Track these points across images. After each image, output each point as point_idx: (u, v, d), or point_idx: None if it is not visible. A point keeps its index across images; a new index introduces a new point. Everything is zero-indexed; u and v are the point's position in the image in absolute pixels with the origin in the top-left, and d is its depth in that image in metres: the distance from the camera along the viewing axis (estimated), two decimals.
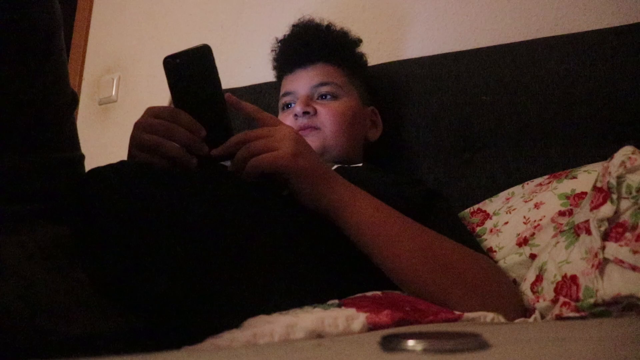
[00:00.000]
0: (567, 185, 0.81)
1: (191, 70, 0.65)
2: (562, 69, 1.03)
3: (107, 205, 0.55)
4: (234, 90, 1.37)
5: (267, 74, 1.31)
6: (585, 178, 0.81)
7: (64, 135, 0.56)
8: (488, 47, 1.13)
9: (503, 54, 1.10)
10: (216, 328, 0.45)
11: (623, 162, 0.64)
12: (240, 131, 0.70)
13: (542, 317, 0.59)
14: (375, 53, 1.33)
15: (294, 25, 1.13)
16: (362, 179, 0.80)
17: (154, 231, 0.53)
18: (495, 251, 0.81)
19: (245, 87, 1.36)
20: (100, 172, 0.61)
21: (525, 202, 0.84)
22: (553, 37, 1.08)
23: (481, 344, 0.33)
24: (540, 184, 0.87)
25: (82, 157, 0.61)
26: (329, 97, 1.02)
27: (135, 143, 0.68)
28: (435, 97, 1.13)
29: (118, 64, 1.73)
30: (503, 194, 0.93)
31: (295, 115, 1.00)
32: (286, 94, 1.06)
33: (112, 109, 1.75)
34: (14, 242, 0.46)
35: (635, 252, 0.57)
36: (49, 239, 0.49)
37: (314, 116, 1.00)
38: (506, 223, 0.83)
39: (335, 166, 0.80)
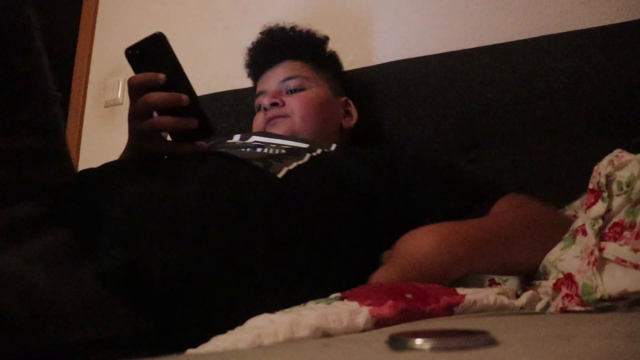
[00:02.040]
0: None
1: (152, 57, 0.71)
2: (568, 66, 1.03)
3: (109, 202, 0.56)
4: (238, 92, 1.37)
5: None
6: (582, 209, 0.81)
7: (33, 123, 0.56)
8: (493, 45, 1.13)
9: (508, 51, 1.10)
10: (221, 328, 0.45)
11: (611, 161, 0.64)
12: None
13: (547, 304, 0.59)
14: (380, 51, 1.33)
15: (260, 32, 1.18)
16: (328, 161, 0.84)
17: (152, 220, 0.55)
18: None
19: (250, 88, 1.36)
20: (96, 173, 0.62)
21: None
22: (558, 34, 1.07)
23: (489, 342, 0.33)
24: None
25: (66, 150, 0.61)
26: (296, 90, 1.06)
27: (137, 133, 0.75)
28: (441, 95, 1.12)
29: (123, 66, 1.74)
30: None
31: (264, 108, 1.03)
32: (258, 94, 1.11)
33: (118, 111, 1.75)
34: (14, 247, 0.47)
35: (636, 251, 0.57)
36: (51, 243, 0.49)
37: (283, 107, 1.03)
38: None
39: (307, 156, 0.81)
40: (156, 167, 0.70)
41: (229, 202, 0.63)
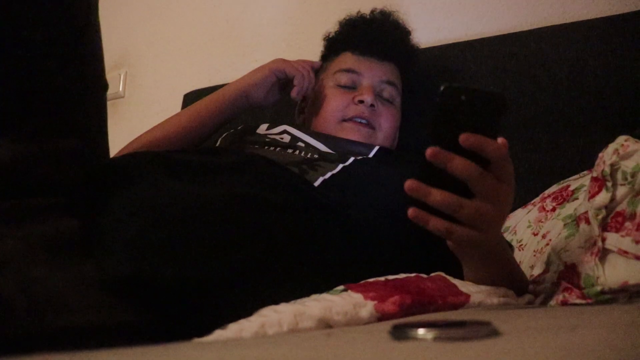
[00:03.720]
0: (570, 208, 0.80)
1: (471, 112, 0.53)
2: (571, 58, 1.02)
3: (123, 197, 0.55)
4: None
5: None
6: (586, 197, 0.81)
7: (79, 123, 0.55)
8: (495, 37, 1.13)
9: (510, 43, 1.09)
10: (225, 319, 0.45)
11: (616, 150, 0.64)
12: None
13: (545, 301, 0.59)
14: None
15: (378, 12, 1.10)
16: (361, 172, 0.81)
17: (166, 222, 0.53)
18: None
19: None
20: (116, 164, 0.60)
21: (534, 234, 0.83)
22: (560, 25, 1.07)
23: (491, 332, 0.33)
24: (544, 209, 0.86)
25: (104, 149, 0.60)
26: (390, 100, 1.01)
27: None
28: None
29: (124, 60, 1.74)
30: (509, 222, 0.91)
31: (361, 101, 0.96)
32: (350, 70, 1.01)
33: (120, 105, 1.75)
34: (16, 235, 0.46)
35: (637, 242, 0.57)
36: (55, 233, 0.49)
37: (375, 113, 0.97)
38: (520, 263, 0.80)
39: (339, 166, 0.80)
40: (184, 163, 0.65)
41: (255, 207, 0.60)
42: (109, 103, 1.92)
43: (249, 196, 0.60)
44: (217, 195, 0.58)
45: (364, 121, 0.96)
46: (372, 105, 0.96)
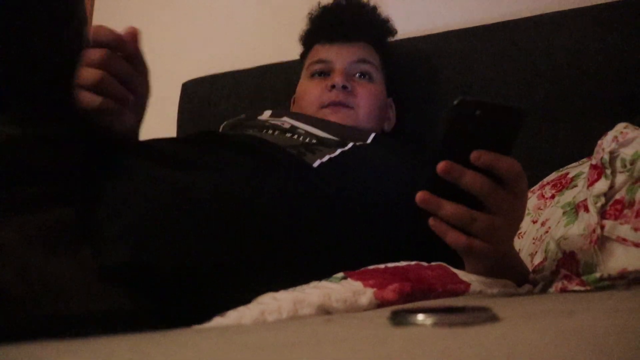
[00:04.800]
0: (569, 196, 0.80)
1: (486, 127, 0.51)
2: (570, 45, 1.02)
3: (119, 186, 0.55)
4: (238, 73, 1.37)
5: (268, 57, 1.31)
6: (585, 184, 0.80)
7: (69, 109, 0.55)
8: (494, 24, 1.12)
9: (509, 30, 1.09)
10: (224, 307, 0.45)
11: (615, 137, 0.64)
12: None
13: (544, 288, 0.59)
14: None
15: None
16: (360, 156, 0.80)
17: (164, 210, 0.53)
18: None
19: (248, 70, 1.35)
20: (111, 152, 0.60)
21: (534, 222, 0.83)
22: (560, 12, 1.06)
23: (491, 318, 0.33)
24: (543, 196, 0.86)
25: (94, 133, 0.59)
26: (366, 77, 1.01)
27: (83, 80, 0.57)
28: (442, 75, 1.12)
29: None
30: None
31: (333, 86, 0.96)
32: (321, 61, 1.02)
33: None
34: (13, 225, 0.47)
35: (636, 229, 0.57)
36: (52, 221, 0.49)
37: (350, 94, 0.97)
38: (520, 251, 0.79)
39: (338, 150, 0.80)
40: (181, 150, 0.64)
41: (253, 190, 0.60)
42: None
43: (245, 182, 0.60)
44: (212, 182, 0.58)
45: (340, 106, 0.96)
46: (344, 87, 0.97)
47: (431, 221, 0.53)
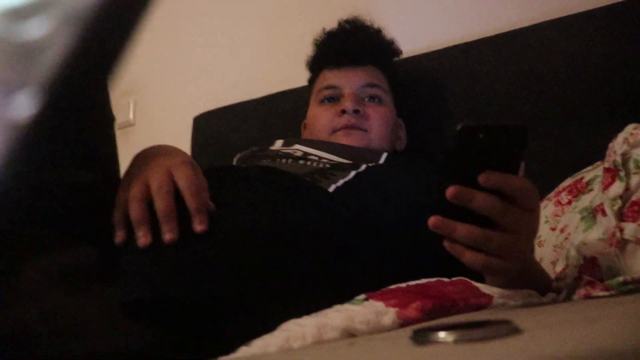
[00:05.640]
0: (586, 200, 0.79)
1: (491, 149, 0.51)
2: (573, 50, 1.02)
3: None
4: (247, 103, 1.39)
5: (275, 85, 1.33)
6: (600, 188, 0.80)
7: (98, 155, 0.57)
8: (496, 35, 1.13)
9: (510, 41, 1.09)
10: (249, 336, 0.46)
11: (626, 139, 0.64)
12: None
13: (568, 295, 0.59)
14: None
15: (345, 21, 1.12)
16: (375, 178, 0.81)
17: (187, 246, 0.55)
18: None
19: (256, 100, 1.38)
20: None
21: (552, 229, 0.82)
22: (561, 18, 1.07)
23: (512, 330, 0.33)
24: (560, 203, 0.86)
25: (116, 180, 0.61)
26: (376, 100, 1.02)
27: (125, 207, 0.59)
28: (447, 90, 1.12)
29: (133, 87, 1.77)
30: None
31: (343, 111, 0.98)
32: (329, 87, 1.03)
33: (131, 133, 1.78)
34: (35, 266, 0.48)
35: None
36: (73, 261, 0.50)
37: (362, 117, 0.98)
38: (541, 260, 0.79)
39: (352, 173, 0.80)
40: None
41: (273, 221, 0.62)
42: (119, 131, 1.95)
43: (264, 214, 0.62)
44: (232, 218, 0.60)
45: (353, 129, 0.97)
46: (355, 111, 0.97)
47: (446, 243, 0.53)
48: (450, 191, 0.50)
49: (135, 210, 0.56)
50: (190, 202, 0.57)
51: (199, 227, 0.56)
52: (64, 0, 0.19)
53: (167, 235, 0.55)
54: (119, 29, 0.20)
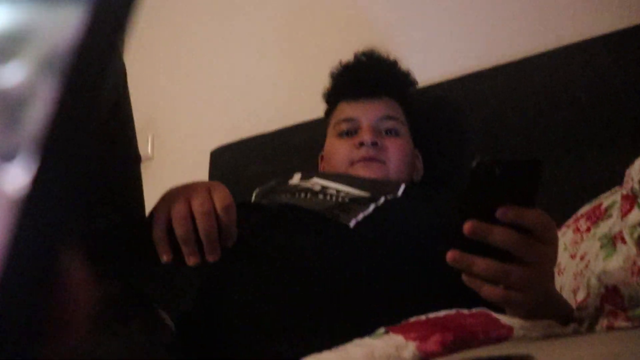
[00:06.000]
0: (605, 227, 0.79)
1: (507, 184, 0.52)
2: (589, 75, 1.02)
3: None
4: (264, 136, 1.41)
5: (292, 117, 1.34)
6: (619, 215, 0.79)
7: (121, 198, 0.59)
8: (509, 63, 1.13)
9: (525, 68, 1.10)
10: None
11: None
12: None
13: (591, 326, 0.58)
14: None
15: (361, 54, 1.13)
16: (394, 211, 0.82)
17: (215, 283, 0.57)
18: None
19: (273, 132, 1.40)
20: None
21: (572, 257, 0.82)
22: (575, 43, 1.07)
23: None
24: (578, 230, 0.85)
25: (141, 219, 0.63)
26: (393, 132, 1.03)
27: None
28: (463, 118, 1.13)
29: (151, 122, 1.80)
30: None
31: (362, 143, 0.99)
32: (347, 119, 1.05)
33: (149, 167, 1.80)
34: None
35: None
36: (101, 296, 0.52)
37: (380, 149, 0.99)
38: (561, 289, 0.77)
39: (371, 206, 0.81)
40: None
41: (297, 259, 0.64)
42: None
43: (290, 254, 0.63)
44: (258, 255, 0.61)
45: (372, 161, 0.98)
46: (374, 143, 0.98)
47: (464, 277, 0.53)
48: (467, 226, 0.51)
49: (183, 227, 0.57)
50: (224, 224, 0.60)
51: (212, 257, 0.58)
52: (39, 41, 0.17)
53: (211, 257, 0.57)
54: (104, 70, 0.18)
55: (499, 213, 0.50)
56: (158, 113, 1.82)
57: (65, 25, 0.18)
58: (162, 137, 1.79)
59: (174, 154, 1.75)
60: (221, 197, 0.61)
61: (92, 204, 0.54)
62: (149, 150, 1.81)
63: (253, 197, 1.06)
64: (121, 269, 0.56)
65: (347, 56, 1.17)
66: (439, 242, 0.56)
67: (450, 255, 0.52)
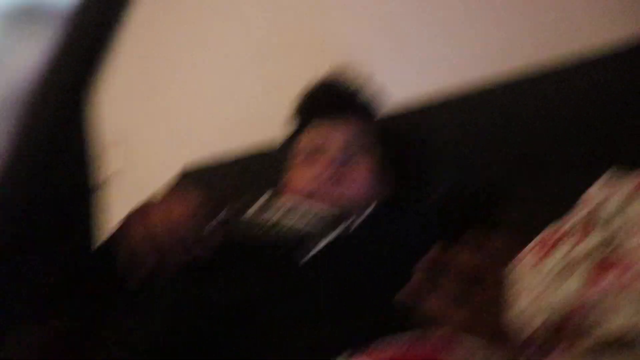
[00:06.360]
0: (562, 251, 0.79)
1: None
2: (592, 90, 1.03)
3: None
4: (235, 162, 1.41)
5: (263, 135, 1.35)
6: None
7: (75, 230, 0.59)
8: (506, 82, 1.13)
9: (513, 89, 1.11)
10: None
11: (600, 189, 0.65)
12: None
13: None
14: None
15: (328, 74, 1.13)
16: (360, 237, 0.85)
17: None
18: None
19: (239, 158, 1.41)
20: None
21: (531, 281, 0.83)
22: (565, 65, 1.07)
23: None
24: (537, 255, 0.86)
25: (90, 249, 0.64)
26: (360, 154, 1.03)
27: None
28: (454, 143, 1.14)
29: (123, 135, 1.78)
30: None
31: (328, 164, 0.99)
32: (312, 142, 1.04)
33: (120, 181, 1.78)
34: (15, 340, 0.49)
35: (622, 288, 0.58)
36: (52, 333, 0.52)
37: (347, 169, 0.99)
38: (521, 312, 0.79)
39: (337, 230, 0.83)
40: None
41: (243, 297, 0.68)
42: (109, 180, 1.90)
43: (237, 288, 0.65)
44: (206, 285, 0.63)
45: (329, 183, 0.98)
46: (341, 164, 0.99)
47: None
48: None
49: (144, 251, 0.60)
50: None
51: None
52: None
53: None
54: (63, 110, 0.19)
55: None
56: (130, 126, 1.80)
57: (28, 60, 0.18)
58: (133, 151, 1.77)
59: (145, 168, 1.73)
60: (178, 212, 0.64)
61: (38, 234, 0.54)
62: (120, 165, 1.79)
63: (224, 214, 1.05)
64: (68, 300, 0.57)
65: (322, 76, 1.17)
66: (395, 274, 0.59)
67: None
